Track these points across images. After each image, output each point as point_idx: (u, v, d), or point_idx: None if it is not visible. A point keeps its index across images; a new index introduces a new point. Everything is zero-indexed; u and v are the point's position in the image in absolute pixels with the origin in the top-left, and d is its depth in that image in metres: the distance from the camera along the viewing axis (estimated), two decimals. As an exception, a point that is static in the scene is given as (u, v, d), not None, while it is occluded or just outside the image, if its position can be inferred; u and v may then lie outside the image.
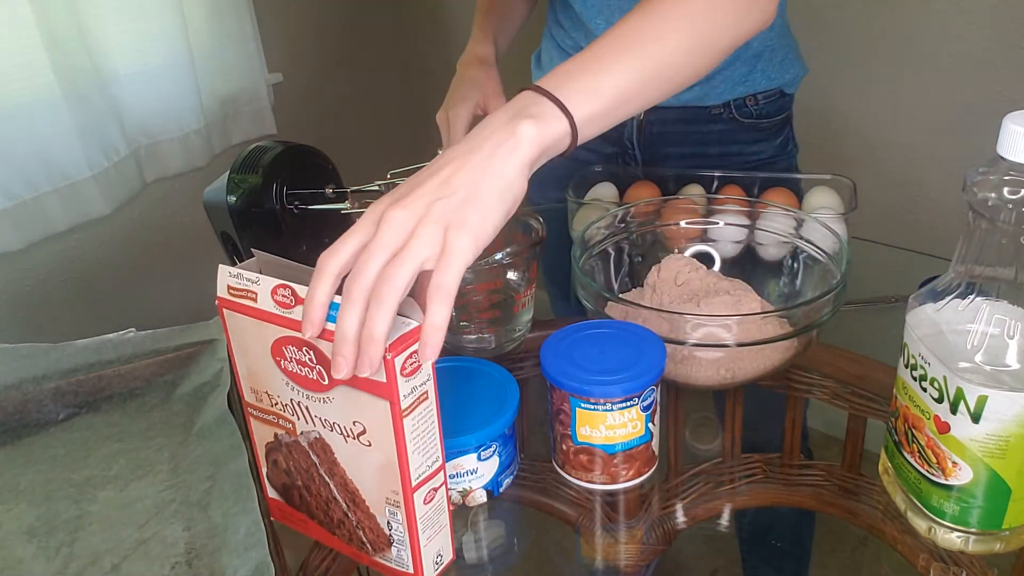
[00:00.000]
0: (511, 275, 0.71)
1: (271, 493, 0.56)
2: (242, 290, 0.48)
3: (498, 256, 0.68)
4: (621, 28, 0.55)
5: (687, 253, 0.77)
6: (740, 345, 0.61)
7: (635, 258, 0.78)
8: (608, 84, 0.52)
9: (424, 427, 0.46)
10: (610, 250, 0.76)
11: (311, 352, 0.46)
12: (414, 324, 0.44)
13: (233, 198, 0.74)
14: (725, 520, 0.58)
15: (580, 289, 0.67)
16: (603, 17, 0.91)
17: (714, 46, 0.58)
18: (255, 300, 0.48)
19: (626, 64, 0.53)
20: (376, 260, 0.43)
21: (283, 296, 0.46)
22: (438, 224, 0.43)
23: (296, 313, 0.46)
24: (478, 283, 0.69)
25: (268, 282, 0.47)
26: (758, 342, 0.61)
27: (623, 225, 0.77)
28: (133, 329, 0.70)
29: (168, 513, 0.56)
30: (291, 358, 0.47)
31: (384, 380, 0.43)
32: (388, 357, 0.42)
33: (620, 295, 0.74)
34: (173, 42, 1.59)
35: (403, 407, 0.44)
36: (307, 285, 0.45)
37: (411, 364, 0.44)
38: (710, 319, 0.61)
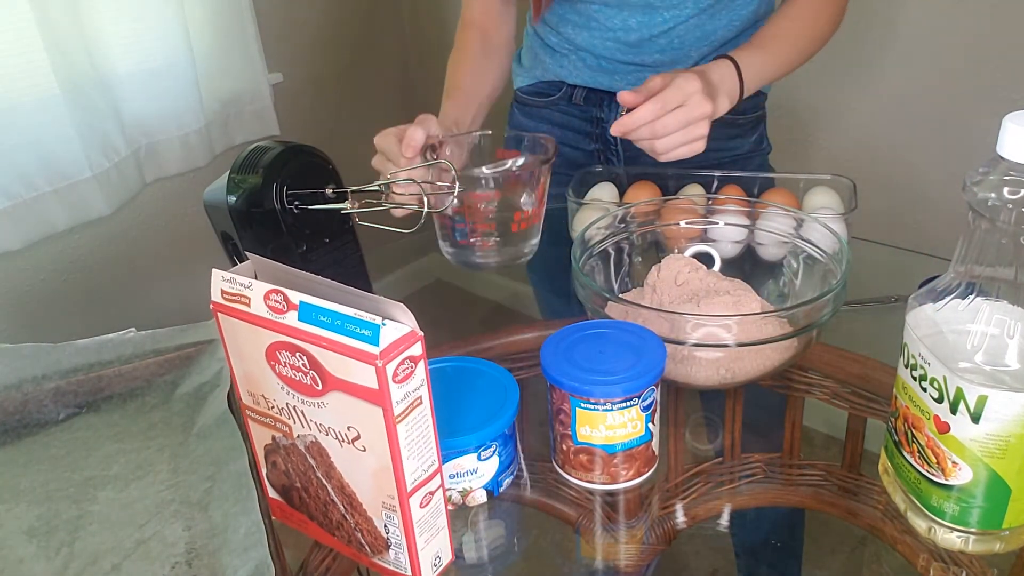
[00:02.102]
0: (518, 193, 0.72)
1: (271, 493, 0.56)
2: (235, 295, 0.48)
3: (507, 164, 0.70)
4: (774, 28, 0.88)
5: (687, 253, 0.77)
6: (740, 345, 0.61)
7: (635, 258, 0.78)
8: (771, 66, 0.87)
9: (418, 432, 0.46)
10: (610, 250, 0.76)
11: (304, 357, 0.46)
12: (407, 329, 0.44)
13: (233, 198, 0.74)
14: (725, 520, 0.58)
15: (580, 289, 0.67)
16: (620, 18, 0.93)
17: (818, 47, 0.91)
18: (248, 305, 0.47)
19: (782, 54, 0.88)
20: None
21: (275, 301, 0.46)
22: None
23: (288, 319, 0.46)
24: (478, 191, 0.71)
25: (260, 287, 0.47)
26: (758, 342, 0.61)
27: (623, 225, 0.77)
28: (133, 329, 0.70)
29: (168, 513, 0.56)
30: (285, 363, 0.47)
31: (376, 385, 0.43)
32: (380, 364, 0.42)
33: (620, 295, 0.74)
34: (173, 42, 1.59)
35: (396, 413, 0.44)
36: (301, 290, 0.45)
37: (404, 370, 0.44)
38: (710, 319, 0.61)
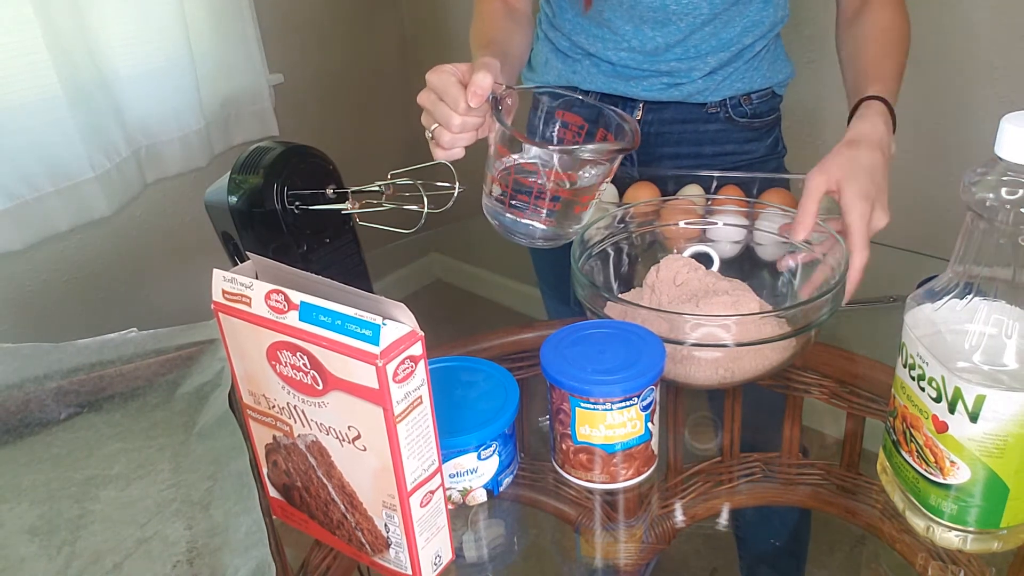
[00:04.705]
0: (586, 172, 0.67)
1: (272, 492, 0.56)
2: (236, 294, 0.48)
3: (583, 149, 0.65)
4: (875, 51, 0.86)
5: (686, 253, 0.77)
6: (739, 345, 0.61)
7: (635, 259, 0.78)
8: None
9: (418, 432, 0.46)
10: (609, 250, 0.76)
11: (305, 357, 0.46)
12: (407, 329, 0.44)
13: (234, 198, 0.74)
14: (724, 519, 0.58)
15: (579, 289, 0.67)
16: (632, 25, 0.92)
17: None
18: (249, 305, 0.48)
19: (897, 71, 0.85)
20: None
21: (276, 301, 0.46)
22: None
23: (289, 318, 0.46)
24: (551, 169, 0.66)
25: (261, 287, 0.47)
26: (757, 342, 0.61)
27: (622, 225, 0.77)
28: (135, 329, 0.70)
29: (169, 512, 0.56)
30: (286, 363, 0.47)
31: (377, 385, 0.43)
32: (380, 364, 0.43)
33: (619, 295, 0.74)
34: (174, 42, 1.59)
35: (396, 413, 0.44)
36: (301, 290, 0.46)
37: (404, 370, 0.44)
38: (709, 319, 0.61)
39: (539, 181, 0.67)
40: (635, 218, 0.77)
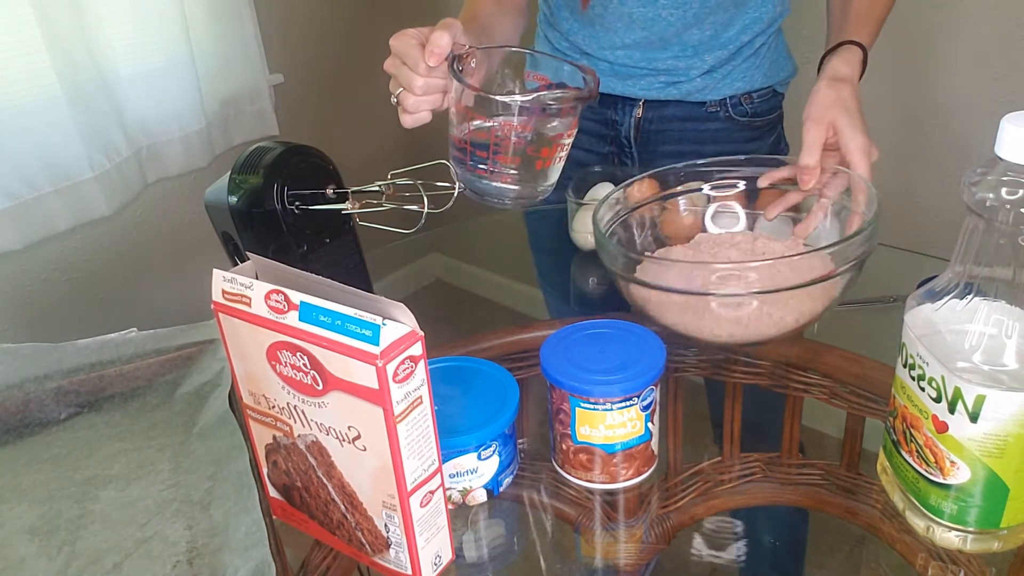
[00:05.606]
0: (548, 124, 0.66)
1: (272, 492, 0.56)
2: (236, 295, 0.48)
3: (542, 95, 0.64)
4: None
5: (708, 214, 0.77)
6: (794, 288, 0.60)
7: (646, 236, 0.78)
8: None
9: (419, 432, 0.46)
10: (633, 219, 0.76)
11: (305, 357, 0.46)
12: (407, 329, 0.44)
13: (234, 198, 0.74)
14: (724, 519, 0.58)
15: (605, 255, 0.67)
16: (623, 23, 0.92)
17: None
18: (249, 305, 0.48)
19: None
20: None
21: (276, 301, 0.46)
22: None
23: (289, 319, 0.46)
24: (509, 121, 0.65)
25: (261, 287, 0.47)
26: (811, 282, 0.60)
27: (626, 207, 0.77)
28: (135, 329, 0.70)
29: (169, 512, 0.56)
30: (286, 363, 0.47)
31: (376, 385, 0.43)
32: (380, 364, 0.43)
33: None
34: (174, 42, 1.59)
35: (396, 413, 0.44)
36: (301, 290, 0.46)
37: (404, 370, 0.44)
38: (755, 263, 0.61)
39: (497, 135, 0.65)
40: (638, 203, 0.78)
